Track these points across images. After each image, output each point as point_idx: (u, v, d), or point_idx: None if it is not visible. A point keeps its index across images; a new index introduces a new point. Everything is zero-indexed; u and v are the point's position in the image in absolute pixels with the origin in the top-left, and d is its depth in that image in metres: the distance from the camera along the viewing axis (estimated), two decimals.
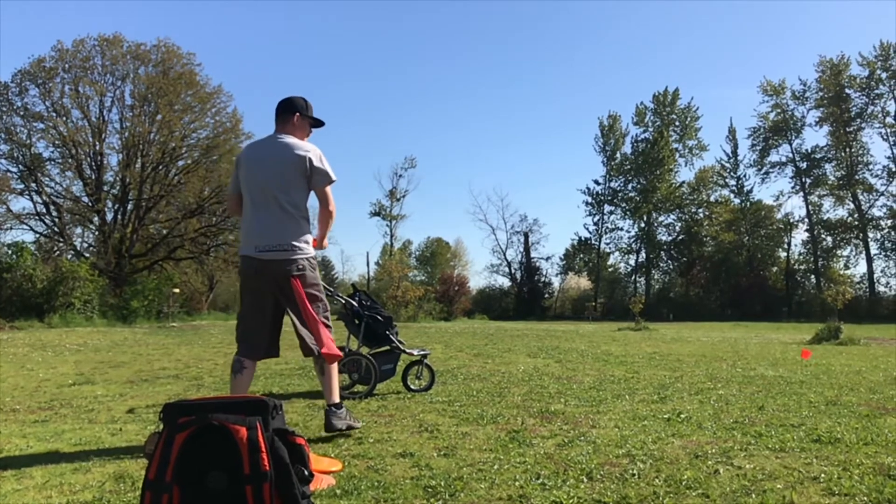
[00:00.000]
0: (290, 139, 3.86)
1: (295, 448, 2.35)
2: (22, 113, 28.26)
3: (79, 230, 32.83)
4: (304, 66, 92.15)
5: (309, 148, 3.84)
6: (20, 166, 28.68)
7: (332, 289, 6.18)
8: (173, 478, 2.18)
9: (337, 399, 3.82)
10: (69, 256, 28.37)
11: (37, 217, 29.45)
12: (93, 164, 29.53)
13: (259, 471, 2.17)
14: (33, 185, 28.84)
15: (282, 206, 3.74)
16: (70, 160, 29.19)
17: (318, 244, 4.05)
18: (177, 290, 26.51)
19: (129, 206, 30.44)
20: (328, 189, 3.88)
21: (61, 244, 30.21)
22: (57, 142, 28.58)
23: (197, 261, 33.64)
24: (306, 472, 2.34)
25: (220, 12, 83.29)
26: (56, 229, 29.95)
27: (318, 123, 4.09)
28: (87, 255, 29.51)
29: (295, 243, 3.76)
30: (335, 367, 3.92)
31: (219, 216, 32.92)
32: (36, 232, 30.10)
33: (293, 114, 3.93)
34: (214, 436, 2.23)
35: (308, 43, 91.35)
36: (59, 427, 4.06)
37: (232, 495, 2.17)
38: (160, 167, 30.36)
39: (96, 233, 30.95)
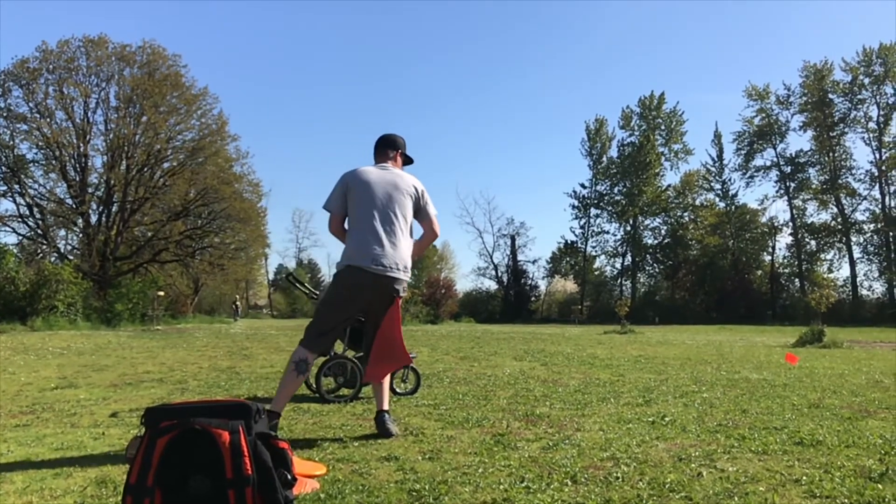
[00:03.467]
0: (402, 171, 4.20)
1: (278, 452, 2.35)
2: (5, 114, 28.01)
3: (62, 232, 32.61)
4: (292, 70, 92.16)
5: (418, 182, 4.16)
6: (3, 168, 28.40)
7: (317, 292, 6.17)
8: (155, 482, 2.17)
9: (388, 405, 4.04)
10: (52, 259, 28.13)
11: (20, 219, 29.19)
12: (77, 165, 29.28)
13: (241, 475, 2.16)
14: (16, 186, 28.58)
15: (401, 229, 4.00)
16: (54, 162, 28.93)
17: None
18: (161, 293, 26.33)
19: (114, 209, 30.20)
20: (434, 217, 4.20)
21: (45, 246, 29.95)
22: (40, 143, 28.31)
23: (182, 263, 33.47)
24: (289, 476, 2.33)
25: (208, 14, 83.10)
26: (39, 231, 29.68)
27: (410, 161, 4.40)
28: (71, 257, 29.27)
29: (407, 266, 4.02)
30: (388, 377, 4.18)
31: (204, 219, 32.74)
32: (19, 234, 29.86)
33: (396, 150, 4.28)
34: (197, 440, 2.22)
35: (296, 46, 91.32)
36: (40, 431, 4.02)
37: (214, 499, 2.16)
38: (145, 169, 30.13)
39: (80, 235, 30.69)
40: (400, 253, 3.95)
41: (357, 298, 3.94)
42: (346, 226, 4.08)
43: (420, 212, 4.14)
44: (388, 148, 4.25)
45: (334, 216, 4.08)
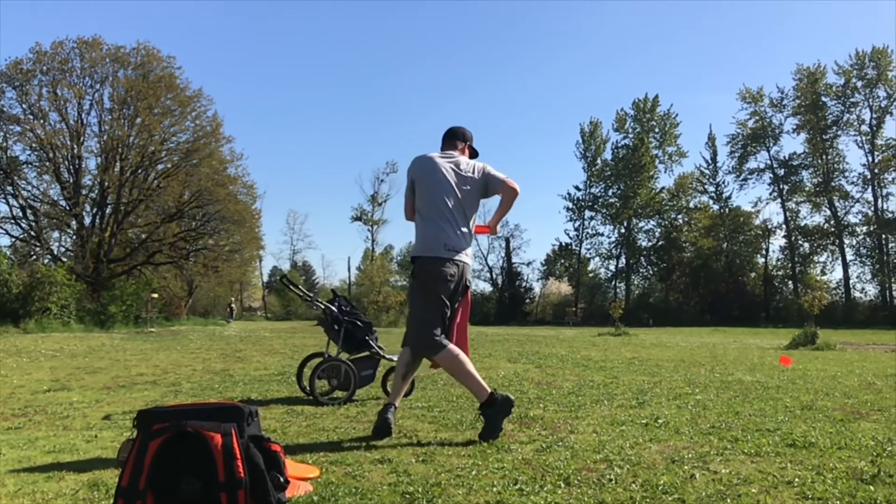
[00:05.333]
0: (466, 158, 4.25)
1: (270, 455, 2.35)
2: None
3: (56, 234, 32.49)
4: (287, 71, 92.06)
5: (480, 163, 4.21)
6: None
7: (311, 294, 6.17)
8: (147, 485, 2.16)
9: (399, 403, 4.09)
10: (46, 261, 28.01)
11: (13, 221, 29.07)
12: (71, 167, 29.19)
13: (234, 477, 2.16)
14: (9, 188, 28.45)
15: (466, 219, 4.05)
16: (47, 163, 28.83)
17: (492, 229, 4.39)
18: (155, 295, 26.27)
19: (108, 210, 30.10)
20: (506, 177, 4.15)
21: (38, 248, 29.82)
22: (34, 145, 28.20)
23: (176, 265, 33.34)
24: (282, 479, 2.33)
25: (202, 16, 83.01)
26: (33, 233, 29.56)
27: (476, 154, 4.40)
28: (65, 259, 29.13)
29: (470, 253, 4.08)
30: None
31: (198, 221, 32.63)
32: (12, 236, 29.75)
33: (465, 142, 4.33)
34: (189, 442, 2.22)
35: (290, 48, 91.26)
36: (32, 434, 4.00)
37: (206, 502, 2.16)
38: (139, 171, 30.04)
39: (74, 237, 30.58)
40: (467, 240, 4.04)
41: (445, 285, 3.93)
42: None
43: (490, 184, 4.13)
44: (455, 139, 4.29)
45: (406, 203, 4.17)
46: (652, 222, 55.18)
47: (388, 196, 57.93)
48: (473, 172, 4.10)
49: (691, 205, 54.84)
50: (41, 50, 28.08)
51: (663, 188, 54.77)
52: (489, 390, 3.84)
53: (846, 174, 48.25)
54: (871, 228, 46.53)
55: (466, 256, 4.00)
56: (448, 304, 3.96)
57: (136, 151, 29.58)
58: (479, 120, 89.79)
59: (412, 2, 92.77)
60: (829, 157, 48.21)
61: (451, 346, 3.91)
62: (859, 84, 46.47)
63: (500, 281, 56.64)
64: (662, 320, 41.84)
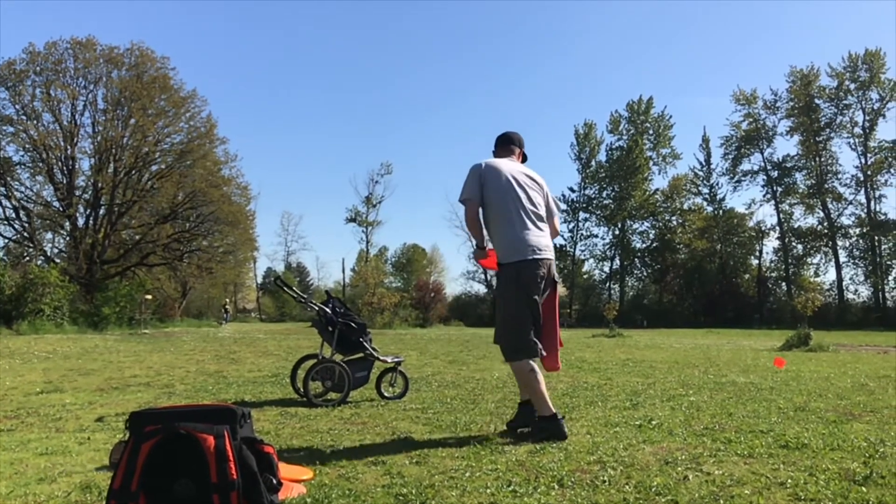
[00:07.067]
0: (529, 169, 4.32)
1: (263, 456, 2.35)
2: None
3: (49, 235, 32.31)
4: (281, 73, 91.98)
5: (545, 184, 4.32)
6: None
7: (305, 296, 6.16)
8: (139, 487, 2.16)
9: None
10: (39, 262, 27.86)
11: (5, 222, 28.92)
12: (64, 168, 29.04)
13: (226, 479, 2.16)
14: (2, 189, 28.27)
15: (541, 216, 4.14)
16: (41, 164, 28.67)
17: None
18: (149, 297, 26.14)
19: (102, 212, 29.97)
20: (557, 216, 4.43)
21: (31, 249, 29.67)
22: (27, 145, 28.06)
23: (170, 267, 33.23)
24: (275, 481, 2.33)
25: (197, 17, 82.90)
26: (26, 234, 29.42)
27: (525, 159, 4.52)
28: (58, 260, 29.00)
29: (552, 247, 4.17)
30: None
31: (192, 222, 32.53)
32: (4, 237, 29.61)
33: (520, 147, 4.44)
34: (182, 444, 2.21)
35: (285, 49, 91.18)
36: (25, 436, 3.99)
37: None
38: (133, 172, 29.92)
39: (67, 238, 30.44)
40: (549, 238, 4.14)
41: (537, 287, 3.96)
42: (480, 216, 4.13)
43: (548, 206, 4.27)
44: (512, 144, 4.39)
45: (472, 203, 4.11)
46: (646, 224, 55.41)
47: (382, 197, 57.93)
48: (541, 181, 4.25)
49: (685, 206, 55.04)
50: (34, 50, 27.96)
51: (657, 190, 54.99)
52: (553, 411, 3.86)
53: (839, 176, 48.53)
54: (864, 230, 46.70)
55: (550, 251, 4.08)
56: (538, 303, 4.00)
57: (129, 152, 29.44)
58: (474, 121, 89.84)
59: (408, 4, 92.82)
60: (822, 160, 48.41)
61: (526, 364, 3.94)
62: (852, 86, 46.69)
63: (494, 283, 56.60)
64: (656, 322, 41.94)
